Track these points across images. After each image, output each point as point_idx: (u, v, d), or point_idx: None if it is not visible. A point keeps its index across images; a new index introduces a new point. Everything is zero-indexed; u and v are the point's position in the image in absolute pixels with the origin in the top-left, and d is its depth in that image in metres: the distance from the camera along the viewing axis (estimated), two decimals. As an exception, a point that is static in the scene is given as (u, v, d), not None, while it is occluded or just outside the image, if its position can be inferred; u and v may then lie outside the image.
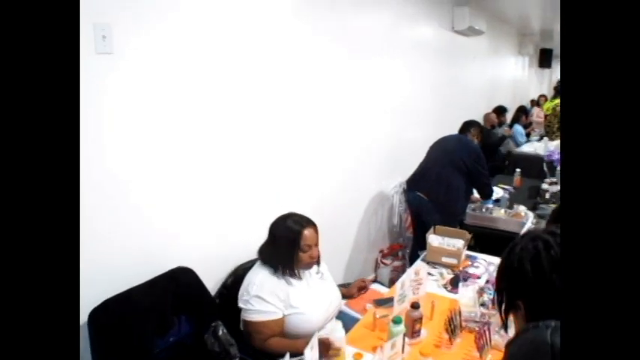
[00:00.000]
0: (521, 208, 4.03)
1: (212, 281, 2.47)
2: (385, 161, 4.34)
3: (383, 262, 4.21)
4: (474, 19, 5.79)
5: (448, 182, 3.83)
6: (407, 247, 4.41)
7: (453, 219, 3.78)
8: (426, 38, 5.13)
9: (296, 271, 2.26)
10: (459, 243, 3.00)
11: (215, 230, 2.51)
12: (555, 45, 13.11)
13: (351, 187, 3.85)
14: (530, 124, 8.81)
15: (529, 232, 1.33)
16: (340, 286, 2.64)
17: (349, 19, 3.49)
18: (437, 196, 3.84)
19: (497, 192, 4.49)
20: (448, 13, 5.62)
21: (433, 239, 3.06)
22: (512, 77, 10.35)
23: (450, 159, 3.88)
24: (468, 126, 4.24)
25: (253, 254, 2.38)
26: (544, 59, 13.22)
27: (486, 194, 4.09)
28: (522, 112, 8.68)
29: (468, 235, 3.11)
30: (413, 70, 4.79)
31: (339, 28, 3.36)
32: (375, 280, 3.62)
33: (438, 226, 3.20)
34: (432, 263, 2.99)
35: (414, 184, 4.04)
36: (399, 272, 4.10)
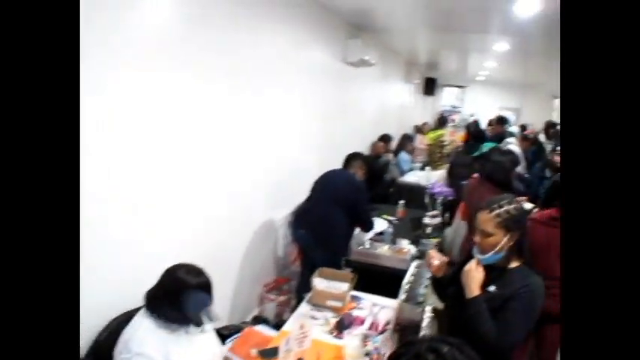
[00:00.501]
0: (404, 244, 4.16)
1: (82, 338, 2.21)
2: (275, 191, 4.27)
3: (268, 297, 4.13)
4: (365, 50, 5.95)
5: (331, 220, 3.82)
6: (293, 280, 4.37)
7: (337, 256, 3.81)
8: (319, 69, 5.18)
9: (183, 325, 2.13)
10: (344, 286, 3.02)
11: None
12: (439, 74, 13.91)
13: (237, 217, 3.74)
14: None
15: (412, 343, 1.18)
16: (222, 329, 2.55)
17: (243, 49, 3.42)
18: (320, 234, 3.83)
19: (382, 224, 4.58)
20: (341, 45, 5.73)
21: (318, 282, 3.05)
22: (399, 104, 10.80)
23: (332, 196, 3.86)
24: (350, 160, 4.22)
25: (128, 303, 2.21)
26: (428, 87, 14.00)
27: (367, 230, 4.12)
28: (407, 140, 9.00)
29: (353, 277, 3.14)
30: (305, 100, 4.81)
31: (231, 56, 3.27)
32: (259, 319, 3.55)
33: (323, 269, 3.19)
34: (317, 306, 2.98)
35: (299, 220, 4.03)
36: (284, 307, 4.04)
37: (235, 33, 3.29)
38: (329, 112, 5.59)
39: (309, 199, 4.05)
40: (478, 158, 4.89)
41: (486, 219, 2.06)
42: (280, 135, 4.28)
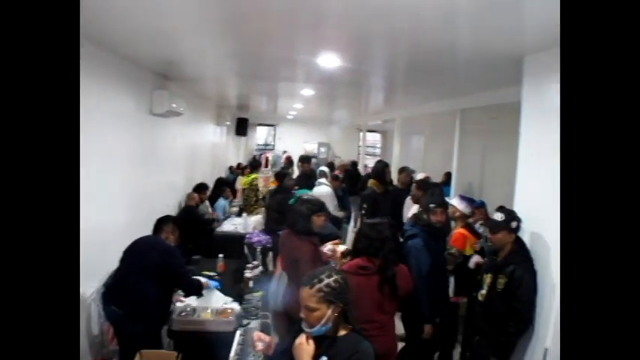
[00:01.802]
0: (228, 303, 4.05)
1: None
2: (82, 261, 3.84)
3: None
4: (173, 100, 5.78)
5: (142, 292, 3.55)
6: (113, 358, 3.98)
7: (155, 329, 3.57)
8: (125, 120, 4.91)
9: None
10: (167, 367, 2.83)
11: None
12: (250, 115, 14.15)
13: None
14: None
15: None
16: None
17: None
18: (133, 309, 3.55)
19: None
20: (147, 96, 5.51)
21: (139, 367, 2.82)
22: (211, 147, 10.66)
23: (142, 265, 3.61)
24: (161, 224, 4.00)
25: None
26: (241, 127, 14.16)
27: (194, 291, 3.94)
28: (224, 185, 8.94)
29: (177, 355, 2.97)
30: (110, 157, 4.50)
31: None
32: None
33: (144, 352, 2.98)
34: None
35: (108, 296, 3.70)
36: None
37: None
38: (138, 166, 5.30)
39: (118, 271, 3.74)
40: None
41: (308, 295, 2.08)
42: (86, 193, 3.88)
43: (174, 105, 5.82)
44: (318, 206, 3.80)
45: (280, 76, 6.09)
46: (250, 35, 3.69)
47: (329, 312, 2.05)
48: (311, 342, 2.07)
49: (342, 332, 2.13)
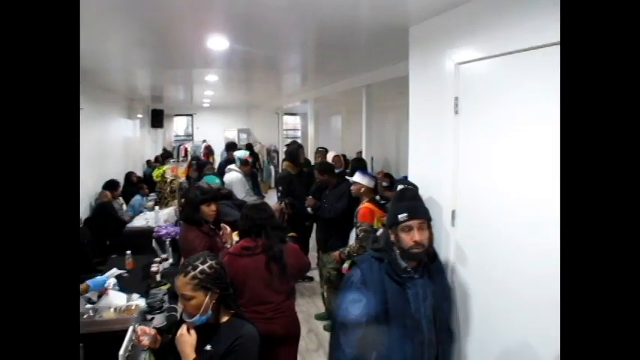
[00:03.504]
0: (134, 298, 3.91)
1: None
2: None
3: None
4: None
5: None
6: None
7: None
8: None
9: None
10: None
11: None
12: (165, 105, 13.74)
13: None
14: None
15: None
16: None
17: None
18: None
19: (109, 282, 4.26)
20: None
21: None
22: (123, 141, 10.27)
23: None
24: None
25: None
26: (156, 119, 13.74)
27: None
28: (146, 182, 8.73)
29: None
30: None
31: None
32: None
33: None
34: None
35: None
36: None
37: None
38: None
39: None
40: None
41: (183, 283, 2.04)
42: None
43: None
44: (209, 195, 3.74)
45: (185, 62, 5.94)
46: (148, 20, 3.58)
47: (206, 299, 2.03)
48: (192, 332, 2.05)
49: (224, 318, 2.11)
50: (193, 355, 1.99)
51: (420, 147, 3.59)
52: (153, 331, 2.24)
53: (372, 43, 4.46)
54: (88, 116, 7.07)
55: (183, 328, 2.06)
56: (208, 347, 2.04)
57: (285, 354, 3.13)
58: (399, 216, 2.45)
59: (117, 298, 3.91)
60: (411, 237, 2.41)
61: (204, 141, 15.51)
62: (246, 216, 3.24)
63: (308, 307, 5.80)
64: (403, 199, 2.62)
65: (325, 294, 5.39)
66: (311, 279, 6.51)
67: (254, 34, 4.09)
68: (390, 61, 5.51)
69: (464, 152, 2.98)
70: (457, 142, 3.02)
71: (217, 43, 4.28)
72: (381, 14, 3.38)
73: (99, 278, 3.86)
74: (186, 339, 2.02)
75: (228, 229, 3.76)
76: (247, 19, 3.56)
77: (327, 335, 5.10)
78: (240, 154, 6.63)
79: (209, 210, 3.67)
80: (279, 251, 3.11)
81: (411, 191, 2.84)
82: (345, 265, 4.63)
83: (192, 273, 2.04)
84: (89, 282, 3.80)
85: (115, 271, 4.10)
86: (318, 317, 5.51)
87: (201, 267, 2.05)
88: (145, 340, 2.21)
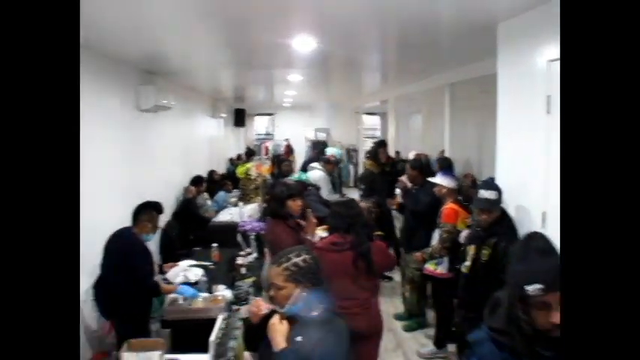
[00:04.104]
0: (220, 289, 4.08)
1: None
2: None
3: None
4: (161, 95, 5.79)
5: (115, 288, 3.62)
6: (112, 351, 4.01)
7: (141, 322, 3.63)
8: (112, 118, 4.96)
9: None
10: (155, 355, 2.88)
11: None
12: (247, 105, 14.11)
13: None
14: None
15: None
16: None
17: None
18: (112, 306, 3.68)
19: (197, 274, 4.46)
20: (133, 92, 5.52)
21: (127, 357, 2.88)
22: (208, 139, 10.71)
23: (109, 261, 3.67)
24: (136, 215, 3.90)
25: None
26: (238, 118, 14.14)
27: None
28: (229, 179, 9.05)
29: (163, 342, 3.01)
30: (102, 153, 4.57)
31: None
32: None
33: (131, 341, 3.01)
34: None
35: (95, 292, 3.79)
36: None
37: None
38: (131, 162, 5.35)
39: (100, 267, 3.78)
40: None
41: (276, 273, 2.09)
42: (81, 193, 3.93)
43: (163, 100, 5.83)
44: (295, 190, 3.81)
45: (268, 63, 6.09)
46: (232, 22, 3.70)
47: (296, 291, 2.06)
48: (284, 322, 2.08)
49: (314, 312, 2.13)
50: (284, 344, 2.02)
51: (509, 146, 3.50)
52: (264, 306, 2.27)
53: (457, 40, 4.40)
54: (177, 114, 7.42)
55: (275, 317, 2.10)
56: (299, 339, 2.07)
57: (367, 350, 3.16)
58: (530, 288, 1.55)
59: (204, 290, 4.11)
60: (549, 317, 1.53)
61: (287, 140, 15.79)
62: (336, 212, 3.30)
63: (387, 307, 5.77)
64: (531, 257, 1.63)
65: (407, 294, 5.36)
66: (390, 279, 6.48)
67: (339, 34, 4.14)
68: (475, 59, 5.40)
69: (555, 152, 2.87)
70: (549, 142, 2.93)
71: (304, 43, 4.35)
72: (468, 12, 3.33)
73: (186, 288, 3.99)
74: (278, 327, 2.06)
75: (314, 219, 3.83)
76: (333, 19, 3.61)
77: (405, 335, 5.07)
78: (333, 151, 6.66)
79: (295, 205, 3.75)
80: (367, 249, 3.14)
81: (542, 241, 1.68)
82: (427, 266, 4.59)
83: (285, 264, 2.09)
84: (178, 286, 3.99)
85: (188, 261, 4.23)
86: (397, 317, 5.48)
87: (294, 260, 2.10)
88: (264, 311, 2.23)
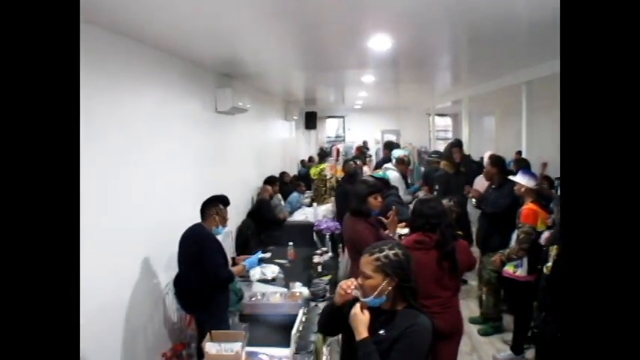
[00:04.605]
0: (297, 287, 4.16)
1: None
2: (159, 252, 4.13)
3: (167, 367, 3.96)
4: (237, 98, 5.98)
5: (191, 282, 3.74)
6: (192, 342, 4.21)
7: (219, 315, 3.71)
8: (192, 121, 5.16)
9: None
10: (236, 346, 2.96)
11: None
12: (318, 108, 14.27)
13: (122, 285, 3.61)
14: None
15: None
16: None
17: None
18: (190, 300, 3.81)
19: (273, 270, 4.58)
20: (212, 95, 5.74)
21: (210, 347, 2.97)
22: (280, 141, 10.92)
23: (184, 256, 3.78)
24: (203, 209, 3.94)
25: None
26: (310, 121, 14.31)
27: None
28: (301, 180, 9.21)
29: (245, 334, 3.10)
30: (181, 155, 4.76)
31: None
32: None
33: (214, 332, 3.11)
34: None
35: (174, 287, 3.96)
36: (185, 374, 3.89)
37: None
38: (207, 162, 5.54)
39: (178, 261, 3.91)
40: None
41: (366, 262, 2.11)
42: (159, 192, 4.19)
43: (239, 102, 6.02)
44: (375, 187, 3.83)
45: (340, 64, 6.14)
46: (306, 23, 3.76)
47: (383, 283, 2.06)
48: (366, 312, 2.08)
49: (399, 307, 2.14)
50: (366, 334, 2.02)
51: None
52: (356, 289, 2.18)
53: (531, 34, 4.26)
54: (252, 117, 7.62)
55: (357, 307, 2.09)
56: (382, 332, 2.09)
57: (447, 350, 3.13)
58: None
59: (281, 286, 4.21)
60: None
61: (365, 142, 15.84)
62: (420, 213, 3.29)
63: (462, 310, 5.67)
64: None
65: (484, 297, 5.25)
66: (465, 282, 6.37)
67: (412, 32, 4.12)
68: (553, 55, 5.23)
69: None
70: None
71: (379, 42, 4.36)
72: (542, 2, 3.21)
73: (252, 258, 4.14)
74: (360, 318, 2.06)
75: (395, 217, 3.85)
76: (407, 17, 3.60)
77: (481, 340, 4.98)
78: (399, 153, 6.63)
79: (375, 202, 3.77)
80: (452, 248, 3.13)
81: None
82: (506, 268, 4.48)
83: (376, 255, 2.10)
84: (244, 262, 4.12)
85: (259, 253, 4.30)
86: (472, 321, 5.38)
87: (386, 252, 2.11)
88: (355, 293, 2.14)
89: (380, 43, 4.38)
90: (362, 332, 2.04)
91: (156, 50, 4.19)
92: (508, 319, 5.11)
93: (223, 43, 4.35)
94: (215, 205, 3.95)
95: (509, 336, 4.78)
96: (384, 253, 2.10)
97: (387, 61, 5.53)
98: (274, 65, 6.12)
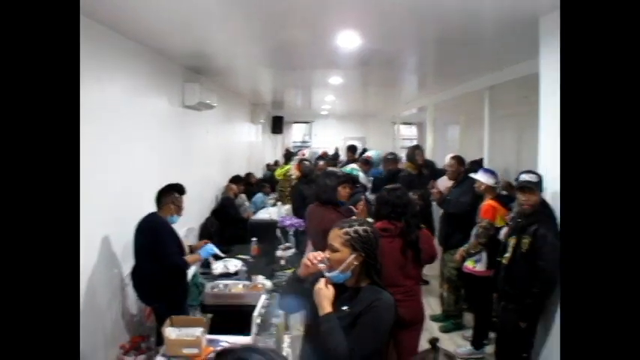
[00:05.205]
0: (260, 279, 4.16)
1: None
2: (120, 246, 4.08)
3: (124, 359, 3.88)
4: (205, 94, 5.97)
5: (145, 272, 3.74)
6: (151, 335, 4.14)
7: (177, 305, 3.68)
8: (158, 112, 5.12)
9: None
10: (197, 331, 2.93)
11: None
12: (285, 112, 14.29)
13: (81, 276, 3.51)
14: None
15: (222, 354, 1.23)
16: None
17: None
18: (146, 290, 3.80)
19: (236, 264, 4.57)
20: (179, 89, 5.70)
21: (170, 332, 2.94)
22: (247, 144, 10.92)
23: (139, 244, 3.75)
24: (160, 197, 3.91)
25: None
26: (276, 125, 14.34)
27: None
28: (267, 182, 9.24)
29: (206, 321, 3.08)
30: (144, 147, 4.70)
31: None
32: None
33: (174, 317, 3.08)
34: (173, 357, 2.86)
35: (132, 277, 3.91)
36: (144, 366, 3.83)
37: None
38: (172, 156, 5.48)
39: (133, 254, 3.86)
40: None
41: (335, 235, 2.13)
42: (120, 182, 4.12)
43: (206, 99, 6.02)
44: (344, 177, 3.91)
45: (308, 63, 6.18)
46: (273, 18, 3.77)
47: (350, 258, 2.08)
48: (330, 287, 2.09)
49: (363, 284, 2.15)
50: (330, 309, 2.03)
51: (550, 143, 3.47)
52: (322, 260, 2.15)
53: (496, 38, 4.36)
54: (219, 115, 7.61)
55: (321, 282, 2.10)
56: (345, 308, 2.10)
57: (409, 339, 3.17)
58: None
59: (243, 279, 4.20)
60: None
61: (337, 149, 15.91)
62: (386, 200, 3.34)
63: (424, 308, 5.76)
64: None
65: (445, 294, 5.34)
66: (426, 282, 6.43)
67: (381, 30, 4.17)
68: (515, 60, 5.35)
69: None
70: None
71: (348, 40, 4.41)
72: (506, 4, 3.31)
73: (206, 247, 4.06)
74: (325, 292, 2.06)
75: (363, 207, 3.92)
76: (375, 14, 3.65)
77: (442, 336, 5.03)
78: (372, 153, 6.74)
79: (344, 192, 3.87)
80: (416, 237, 3.18)
81: None
82: (466, 264, 4.57)
83: (346, 229, 2.13)
84: (199, 251, 4.04)
85: (214, 247, 4.25)
86: (434, 318, 5.45)
87: (356, 227, 2.13)
88: (321, 265, 2.13)
89: (348, 40, 4.42)
90: (326, 307, 2.04)
91: (124, 38, 4.15)
92: (468, 317, 5.21)
93: (191, 34, 4.33)
94: (171, 194, 3.92)
95: (469, 332, 4.88)
96: (354, 228, 2.13)
97: (355, 60, 5.57)
98: (242, 62, 6.11)
